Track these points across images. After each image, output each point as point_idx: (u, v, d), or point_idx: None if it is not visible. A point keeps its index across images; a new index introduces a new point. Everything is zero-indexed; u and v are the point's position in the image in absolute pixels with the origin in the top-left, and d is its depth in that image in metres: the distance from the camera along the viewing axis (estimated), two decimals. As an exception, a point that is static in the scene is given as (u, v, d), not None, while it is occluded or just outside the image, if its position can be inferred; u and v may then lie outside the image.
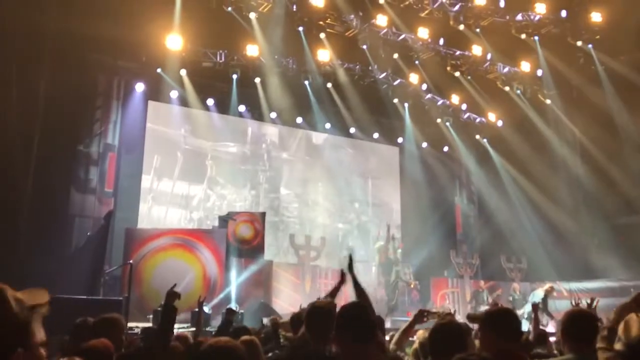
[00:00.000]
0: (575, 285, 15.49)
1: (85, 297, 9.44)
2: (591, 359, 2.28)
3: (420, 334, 4.56)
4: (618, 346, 1.46)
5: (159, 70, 14.10)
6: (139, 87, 14.29)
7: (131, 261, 11.30)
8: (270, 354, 3.91)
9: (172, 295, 3.88)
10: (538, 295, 13.27)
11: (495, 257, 17.03)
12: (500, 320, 2.98)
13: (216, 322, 9.85)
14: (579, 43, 16.15)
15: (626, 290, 13.14)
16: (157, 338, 3.80)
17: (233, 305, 12.10)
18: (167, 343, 3.67)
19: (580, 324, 3.21)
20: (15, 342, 1.08)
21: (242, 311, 11.73)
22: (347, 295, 6.45)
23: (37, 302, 1.19)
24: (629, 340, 1.42)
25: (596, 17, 15.46)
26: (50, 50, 11.61)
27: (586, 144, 16.73)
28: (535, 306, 6.67)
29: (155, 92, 14.49)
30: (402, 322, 12.98)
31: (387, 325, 11.23)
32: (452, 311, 5.48)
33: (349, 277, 3.27)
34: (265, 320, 5.43)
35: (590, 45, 16.10)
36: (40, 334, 1.18)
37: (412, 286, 15.14)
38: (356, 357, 2.45)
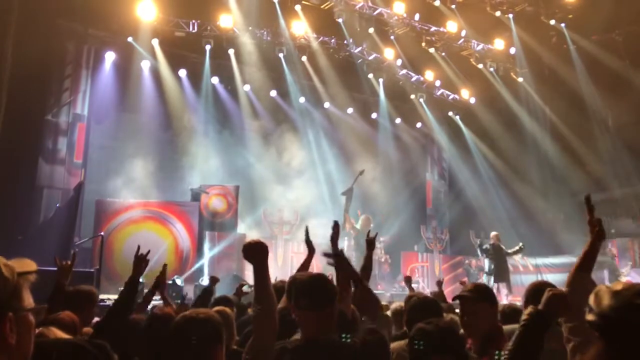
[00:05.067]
0: (541, 261, 15.89)
1: (55, 268, 9.32)
2: (554, 331, 2.35)
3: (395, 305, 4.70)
4: (590, 317, 1.50)
5: (130, 39, 13.77)
6: (110, 56, 13.93)
7: (102, 233, 11.22)
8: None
9: (142, 259, 3.88)
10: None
11: (464, 233, 17.33)
12: None
13: (189, 295, 9.86)
14: (552, 22, 16.30)
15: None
16: (120, 308, 3.64)
17: (205, 278, 12.13)
18: (129, 313, 3.65)
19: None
20: (6, 306, 1.10)
21: (214, 284, 11.74)
22: (318, 267, 6.53)
23: (25, 269, 1.20)
24: (601, 310, 1.47)
25: (570, -4, 15.60)
26: (18, 17, 11.21)
27: (556, 122, 17.00)
28: None
29: (126, 62, 14.16)
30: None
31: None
32: (421, 287, 5.68)
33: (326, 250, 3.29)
34: (246, 288, 5.51)
35: (563, 25, 16.26)
36: (29, 300, 1.19)
37: (382, 260, 15.32)
38: (311, 324, 2.50)
